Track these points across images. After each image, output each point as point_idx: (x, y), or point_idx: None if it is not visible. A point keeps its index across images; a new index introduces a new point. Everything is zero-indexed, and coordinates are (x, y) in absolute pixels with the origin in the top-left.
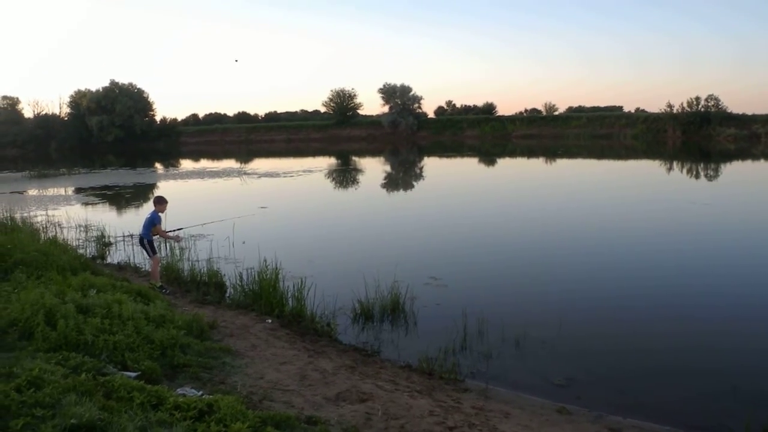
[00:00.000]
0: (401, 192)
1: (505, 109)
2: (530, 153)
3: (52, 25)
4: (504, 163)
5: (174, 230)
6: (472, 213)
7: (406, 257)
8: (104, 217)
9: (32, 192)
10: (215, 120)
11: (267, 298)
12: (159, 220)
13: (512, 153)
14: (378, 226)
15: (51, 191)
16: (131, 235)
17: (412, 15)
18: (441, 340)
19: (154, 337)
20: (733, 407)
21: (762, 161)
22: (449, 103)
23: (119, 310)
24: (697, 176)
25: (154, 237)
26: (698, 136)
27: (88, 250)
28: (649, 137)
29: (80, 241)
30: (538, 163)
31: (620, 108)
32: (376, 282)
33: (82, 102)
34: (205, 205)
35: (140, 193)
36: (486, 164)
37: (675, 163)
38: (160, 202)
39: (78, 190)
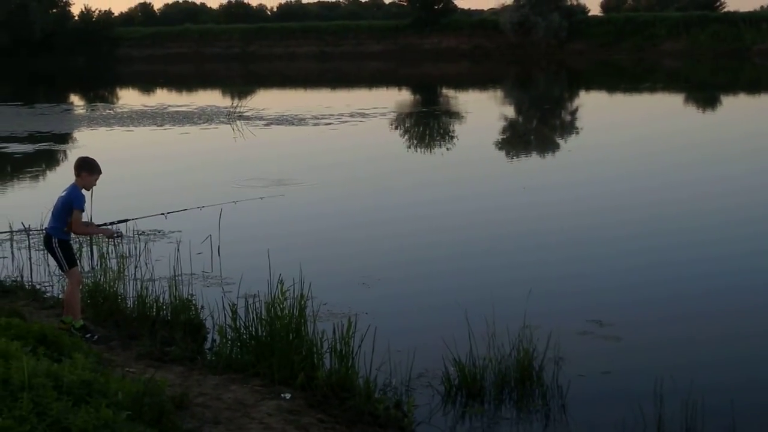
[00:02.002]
0: (534, 158)
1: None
2: None
3: None
4: (736, 107)
5: (109, 223)
6: (673, 205)
7: (545, 282)
8: None
9: None
10: (185, 16)
11: (283, 354)
12: (82, 202)
13: (754, 86)
14: (489, 223)
15: None
16: (26, 230)
17: None
18: None
19: (72, 424)
20: None
21: None
22: None
23: (5, 371)
24: None
25: (72, 235)
26: None
27: None
28: None
29: None
30: None
31: None
32: (488, 327)
33: None
34: (166, 177)
35: (43, 152)
36: (700, 107)
37: None
38: (88, 168)
39: None
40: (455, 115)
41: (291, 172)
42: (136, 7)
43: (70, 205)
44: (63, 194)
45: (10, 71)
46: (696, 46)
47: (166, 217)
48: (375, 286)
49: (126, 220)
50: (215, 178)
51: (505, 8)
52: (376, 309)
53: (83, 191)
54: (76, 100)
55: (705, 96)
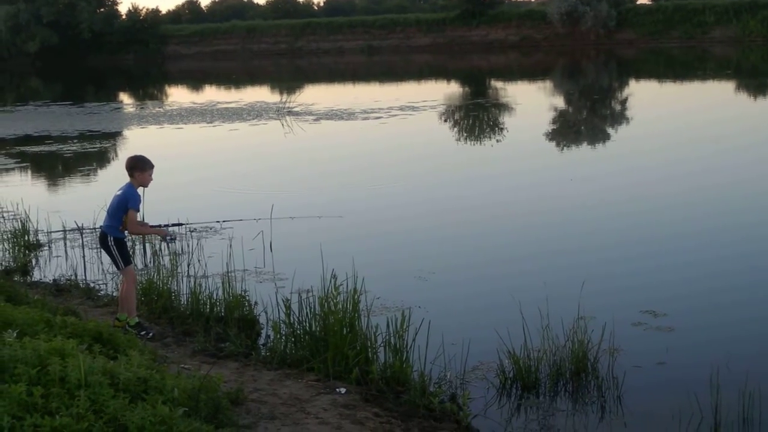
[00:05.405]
0: (584, 149)
1: None
2: None
3: None
4: None
5: (164, 226)
6: (728, 194)
7: (599, 273)
8: (27, 194)
9: None
10: (232, 13)
11: (338, 348)
12: (137, 201)
13: None
14: (542, 214)
15: None
16: (80, 229)
17: None
18: None
19: (129, 421)
20: None
21: None
22: None
23: (62, 369)
24: None
25: (126, 233)
26: None
27: None
28: None
29: None
30: None
31: None
32: (542, 319)
33: None
34: (220, 174)
35: (94, 151)
36: (753, 95)
37: None
38: (140, 167)
39: None
40: (505, 107)
41: (340, 167)
42: (183, 4)
43: (125, 204)
44: (118, 193)
45: (60, 71)
46: (746, 33)
47: (221, 224)
48: (428, 280)
49: (180, 224)
50: (268, 175)
51: None
52: (429, 302)
53: (140, 189)
54: (125, 98)
55: (757, 84)
